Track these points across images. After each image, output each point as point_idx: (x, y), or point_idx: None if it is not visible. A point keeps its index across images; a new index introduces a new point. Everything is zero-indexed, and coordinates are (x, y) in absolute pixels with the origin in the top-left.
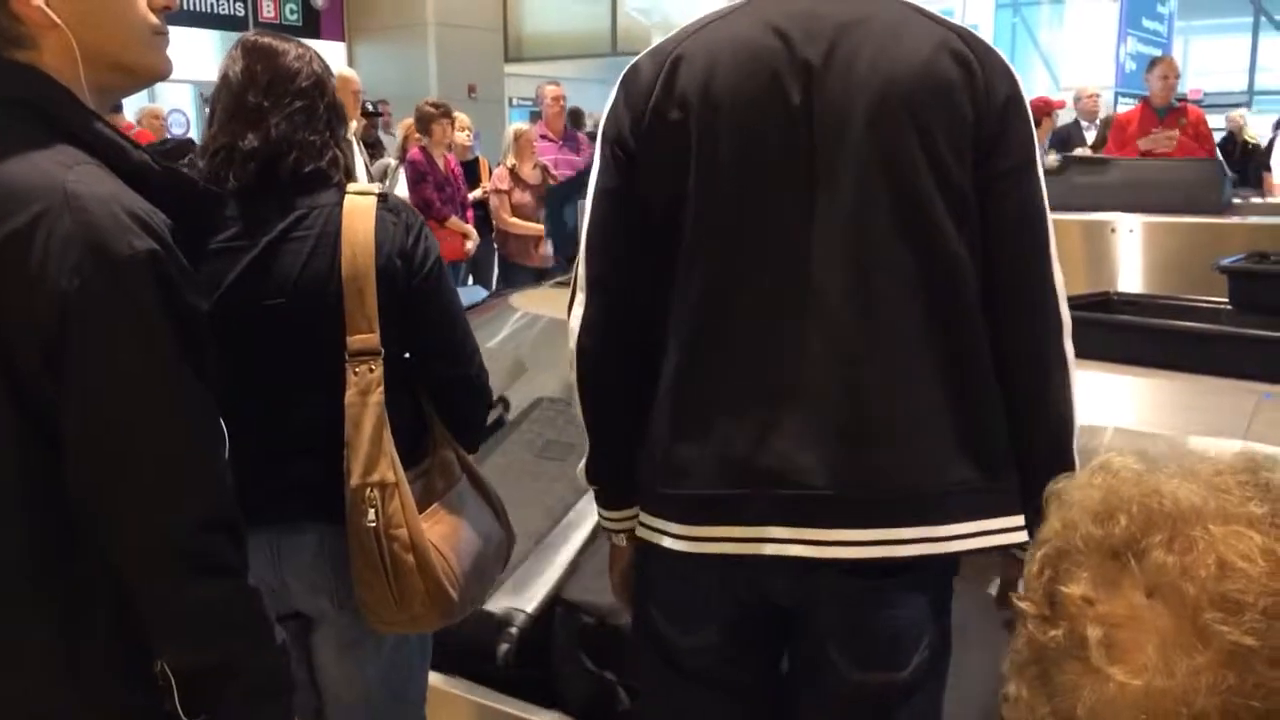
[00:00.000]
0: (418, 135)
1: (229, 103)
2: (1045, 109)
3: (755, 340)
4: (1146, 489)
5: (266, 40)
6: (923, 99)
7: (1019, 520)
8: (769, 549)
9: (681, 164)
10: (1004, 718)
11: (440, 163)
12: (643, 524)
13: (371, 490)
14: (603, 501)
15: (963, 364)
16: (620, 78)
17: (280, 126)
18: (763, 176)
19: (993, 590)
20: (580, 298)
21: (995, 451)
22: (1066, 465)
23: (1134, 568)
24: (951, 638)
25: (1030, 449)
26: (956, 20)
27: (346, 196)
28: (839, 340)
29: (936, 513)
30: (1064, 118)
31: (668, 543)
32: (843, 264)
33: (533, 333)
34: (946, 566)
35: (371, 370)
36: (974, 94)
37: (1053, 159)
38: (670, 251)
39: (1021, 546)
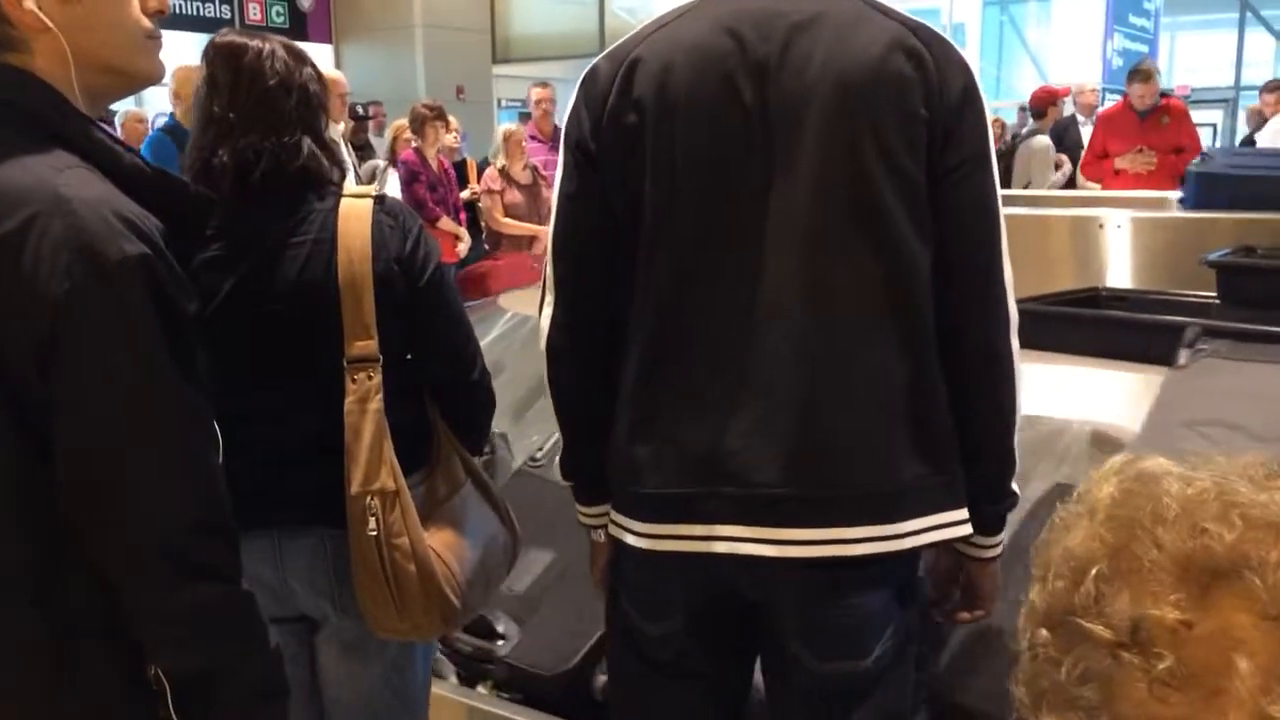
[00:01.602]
0: (409, 136)
1: (199, 114)
2: (1050, 99)
3: (712, 339)
4: (1240, 498)
5: (228, 40)
6: (876, 96)
7: (965, 513)
8: (721, 547)
9: (638, 167)
10: None
11: (434, 164)
12: (613, 521)
13: (372, 499)
14: (578, 498)
15: (914, 358)
16: (579, 80)
17: (248, 136)
18: (718, 176)
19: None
20: (549, 298)
21: (943, 445)
22: (1007, 458)
23: (1247, 586)
24: (916, 626)
25: (974, 441)
26: (943, 18)
27: (342, 200)
28: (794, 338)
29: (891, 510)
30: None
31: (631, 540)
32: (798, 262)
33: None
34: (908, 558)
35: (370, 378)
36: (927, 90)
37: None
38: (632, 252)
39: (965, 539)
